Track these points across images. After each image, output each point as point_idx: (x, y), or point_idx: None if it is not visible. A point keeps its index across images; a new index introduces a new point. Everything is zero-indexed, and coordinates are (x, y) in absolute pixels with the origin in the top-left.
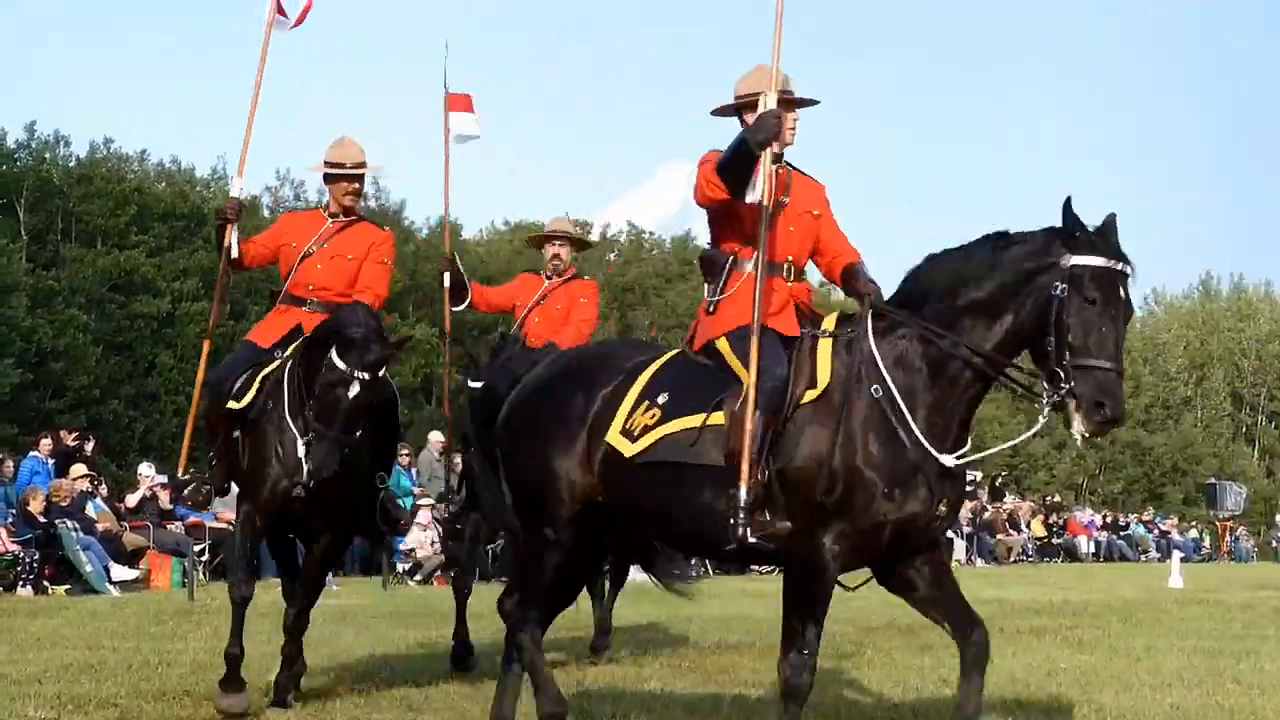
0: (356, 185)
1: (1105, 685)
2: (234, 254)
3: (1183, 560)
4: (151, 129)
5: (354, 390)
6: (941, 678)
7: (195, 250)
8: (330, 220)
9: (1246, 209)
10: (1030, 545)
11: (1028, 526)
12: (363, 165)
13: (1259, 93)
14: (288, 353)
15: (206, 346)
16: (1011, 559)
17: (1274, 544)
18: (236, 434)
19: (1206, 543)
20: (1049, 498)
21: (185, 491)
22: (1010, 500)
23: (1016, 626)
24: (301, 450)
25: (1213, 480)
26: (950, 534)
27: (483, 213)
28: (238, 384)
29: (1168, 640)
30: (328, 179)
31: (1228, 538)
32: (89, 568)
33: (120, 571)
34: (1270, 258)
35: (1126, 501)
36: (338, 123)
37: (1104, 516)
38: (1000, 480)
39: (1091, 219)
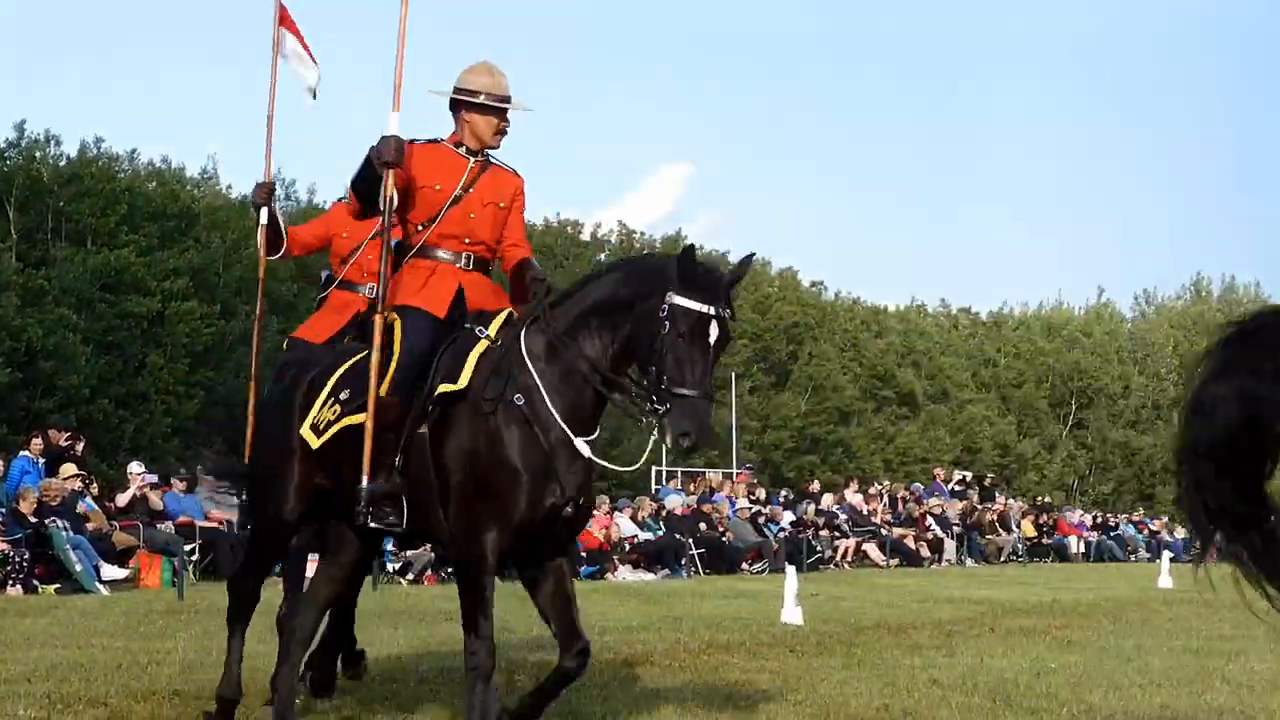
0: (506, 125)
1: (1095, 685)
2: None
3: (1172, 560)
4: (142, 128)
5: (715, 333)
6: (931, 678)
7: (185, 250)
8: (471, 159)
9: (1238, 209)
10: (1020, 545)
11: (1018, 527)
12: (508, 100)
13: (1255, 92)
14: (509, 330)
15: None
16: (1002, 559)
17: None
18: (423, 430)
19: (1197, 543)
20: (1039, 498)
21: (373, 505)
22: (1000, 500)
23: (1006, 626)
24: (585, 449)
25: None
26: (940, 533)
27: None
28: (440, 362)
29: (1157, 640)
30: (469, 109)
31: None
32: (79, 567)
33: (110, 571)
34: (1262, 258)
35: (1116, 502)
36: (332, 125)
37: (1094, 517)
38: (990, 480)
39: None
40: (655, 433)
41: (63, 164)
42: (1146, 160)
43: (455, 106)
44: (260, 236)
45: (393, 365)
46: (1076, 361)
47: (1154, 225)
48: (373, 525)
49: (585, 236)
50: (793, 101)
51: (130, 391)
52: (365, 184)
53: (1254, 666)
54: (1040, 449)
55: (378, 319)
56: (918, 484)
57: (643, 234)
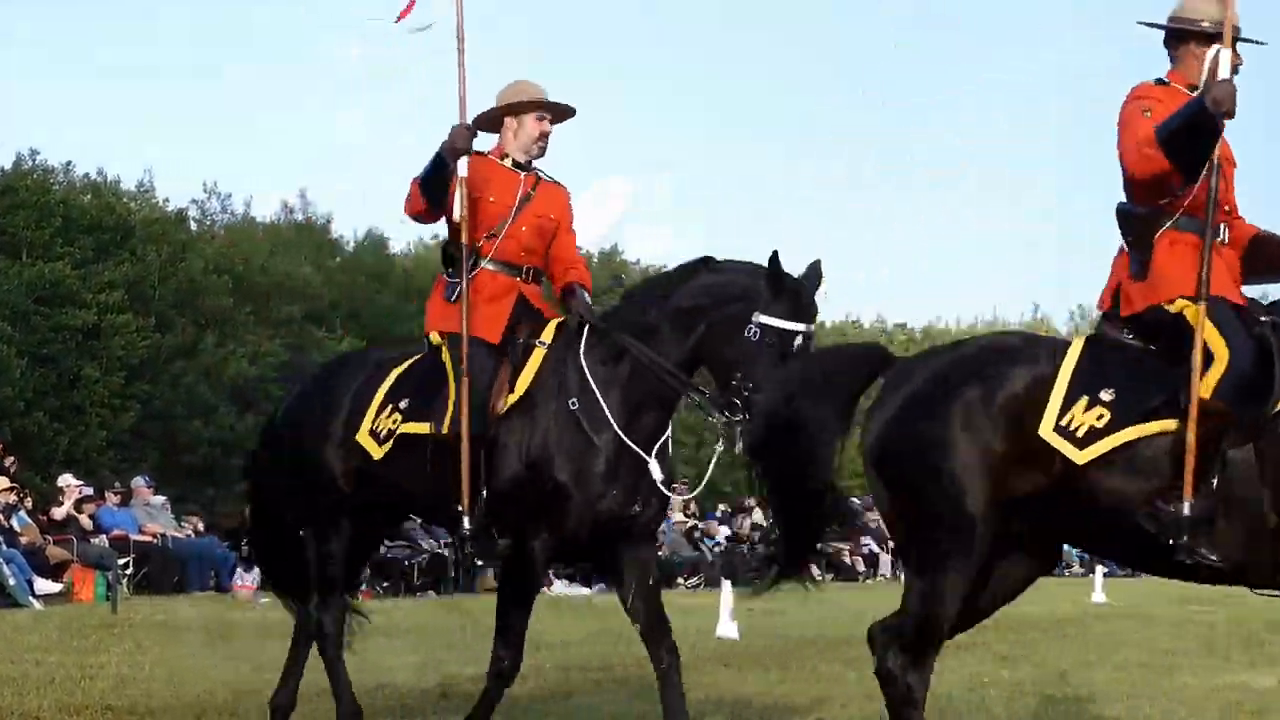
0: (1241, 62)
1: (1031, 700)
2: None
3: (1106, 575)
4: (77, 141)
5: None
6: (866, 692)
7: (121, 263)
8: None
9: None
10: None
11: None
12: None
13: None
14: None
15: None
16: None
17: None
18: (1244, 448)
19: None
20: None
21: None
22: None
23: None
24: None
25: None
26: (875, 548)
27: (410, 227)
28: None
29: (1093, 655)
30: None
31: None
32: (12, 581)
33: (44, 585)
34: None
35: None
36: (264, 135)
37: None
38: None
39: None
40: None
41: None
42: (1081, 175)
43: (1175, 39)
44: (461, 191)
45: (1220, 365)
46: None
47: (1090, 241)
48: (1188, 562)
49: None
50: (729, 118)
51: (65, 404)
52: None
53: (1188, 681)
54: None
55: (1197, 310)
56: (854, 497)
57: (580, 249)
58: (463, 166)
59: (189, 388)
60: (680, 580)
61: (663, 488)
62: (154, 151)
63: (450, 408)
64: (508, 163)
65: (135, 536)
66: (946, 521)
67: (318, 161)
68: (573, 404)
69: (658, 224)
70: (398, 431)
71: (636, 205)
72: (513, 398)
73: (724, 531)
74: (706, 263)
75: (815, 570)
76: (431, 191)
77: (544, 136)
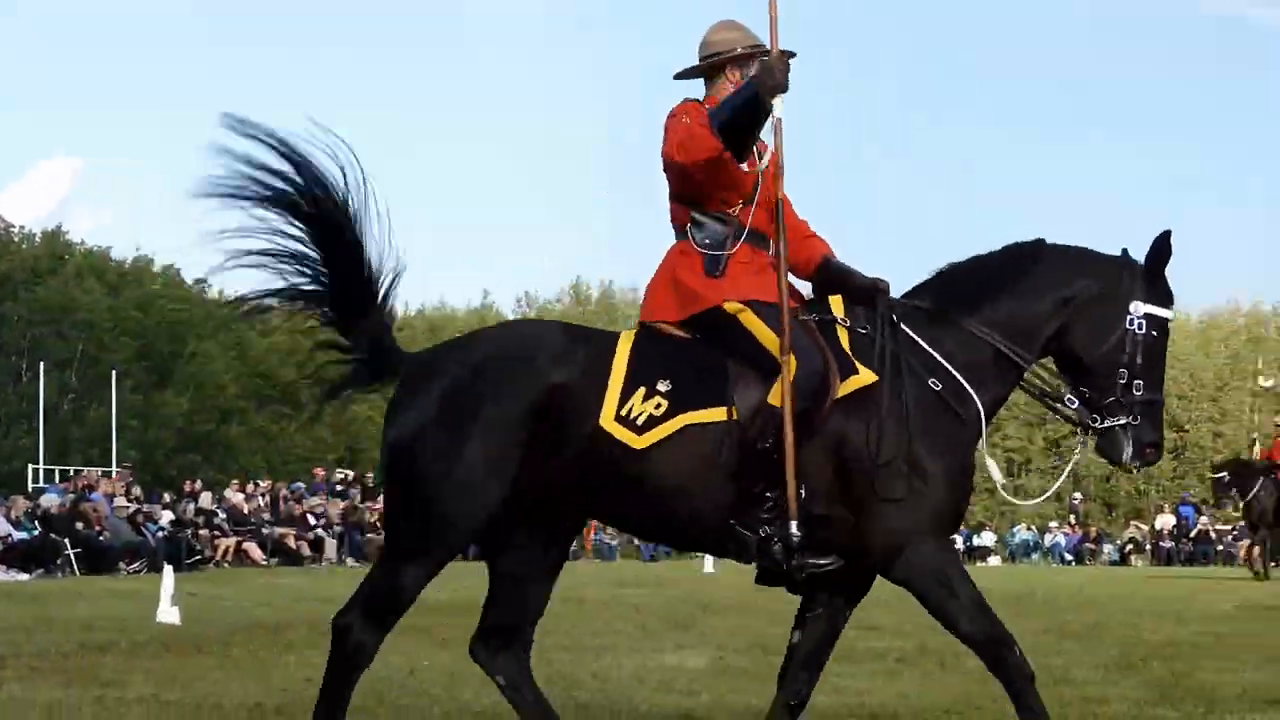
0: None
1: (466, 683)
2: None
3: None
4: None
5: None
6: (306, 676)
7: None
8: None
9: (613, 218)
10: None
11: None
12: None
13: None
14: None
15: None
16: None
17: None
18: None
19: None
20: None
21: None
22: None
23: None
24: None
25: None
26: (321, 532)
27: None
28: None
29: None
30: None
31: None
32: None
33: None
34: (637, 265)
35: None
36: None
37: None
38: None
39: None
40: None
41: None
42: (522, 167)
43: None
44: (778, 137)
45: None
46: None
47: (535, 228)
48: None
49: None
50: (174, 96)
51: None
52: None
53: (622, 662)
54: None
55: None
56: (299, 483)
57: (23, 228)
58: (779, 106)
59: None
60: (121, 565)
61: (1004, 492)
62: None
63: (784, 390)
64: None
65: None
66: None
67: None
68: (934, 384)
69: (104, 205)
70: (672, 420)
71: (83, 185)
72: (859, 380)
73: (168, 516)
74: (1041, 244)
75: (261, 555)
76: (736, 135)
77: None
